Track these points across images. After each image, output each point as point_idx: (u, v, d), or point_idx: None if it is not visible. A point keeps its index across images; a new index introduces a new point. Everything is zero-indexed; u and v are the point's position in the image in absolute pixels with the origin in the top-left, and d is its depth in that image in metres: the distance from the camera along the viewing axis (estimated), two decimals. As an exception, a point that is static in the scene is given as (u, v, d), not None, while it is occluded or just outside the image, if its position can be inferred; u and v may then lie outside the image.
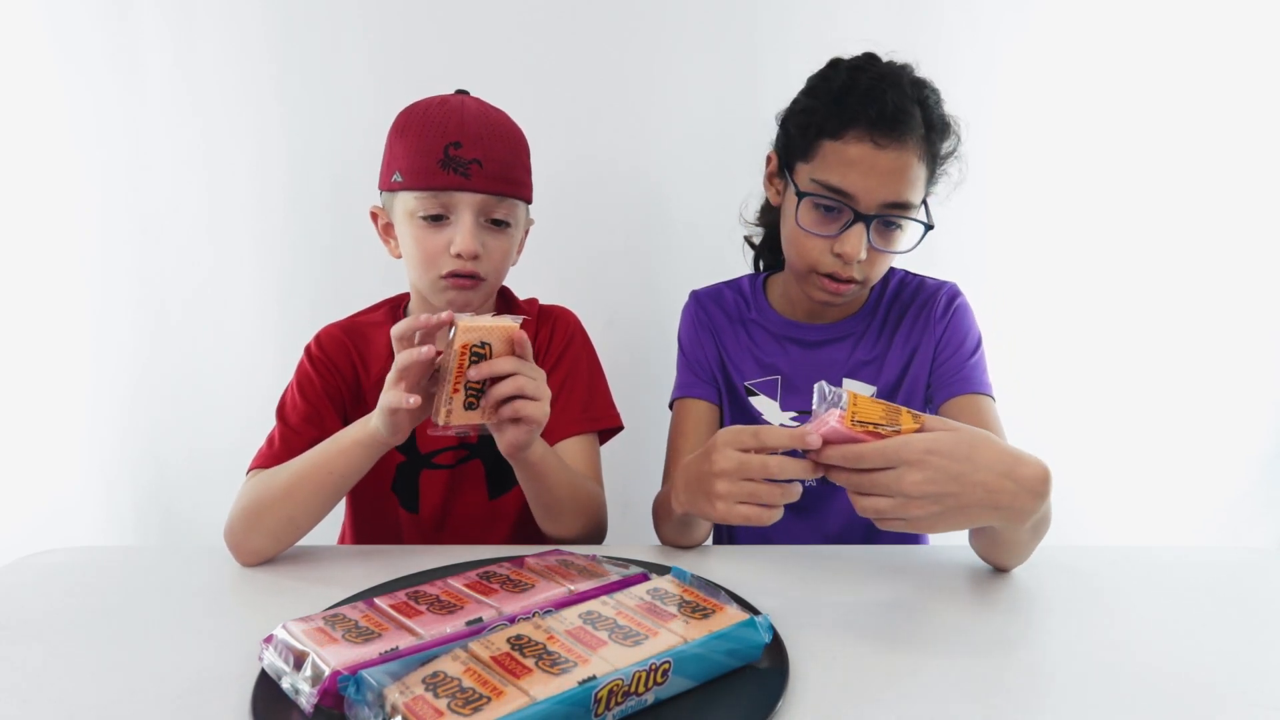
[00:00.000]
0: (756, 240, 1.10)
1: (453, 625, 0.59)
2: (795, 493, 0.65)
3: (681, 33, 1.32)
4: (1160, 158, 1.36)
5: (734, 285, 1.07)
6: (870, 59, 0.89)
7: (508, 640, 0.54)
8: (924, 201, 0.89)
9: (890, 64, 0.88)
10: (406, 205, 0.86)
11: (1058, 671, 0.60)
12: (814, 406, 0.64)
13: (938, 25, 1.30)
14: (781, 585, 0.75)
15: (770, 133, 0.96)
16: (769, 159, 0.97)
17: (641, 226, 1.39)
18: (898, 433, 0.61)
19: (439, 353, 0.71)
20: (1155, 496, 1.47)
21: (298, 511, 0.80)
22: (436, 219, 0.86)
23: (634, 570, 0.69)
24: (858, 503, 0.63)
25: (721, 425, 1.02)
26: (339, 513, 0.95)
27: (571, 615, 0.58)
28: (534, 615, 0.59)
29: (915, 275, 1.03)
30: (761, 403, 1.00)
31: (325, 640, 0.55)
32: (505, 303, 1.02)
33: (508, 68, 1.30)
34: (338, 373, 0.94)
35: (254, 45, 1.30)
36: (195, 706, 0.55)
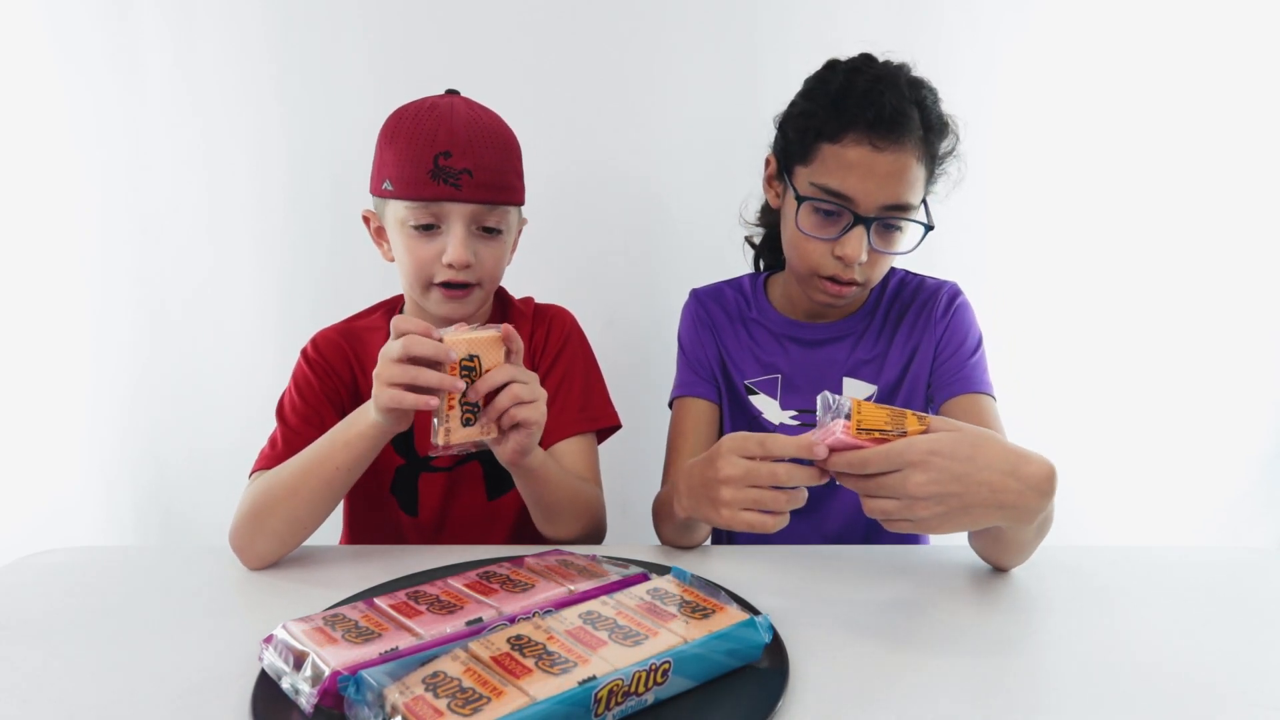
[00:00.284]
0: (757, 240, 1.10)
1: (453, 625, 0.59)
2: (801, 499, 0.66)
3: (681, 33, 1.32)
4: (1160, 158, 1.36)
5: (735, 284, 1.07)
6: (867, 60, 0.89)
7: (508, 640, 0.54)
8: (924, 201, 0.89)
9: (887, 64, 0.88)
10: (397, 214, 0.86)
11: (1058, 671, 0.61)
12: (818, 416, 0.64)
13: (937, 25, 1.30)
14: (781, 585, 0.75)
15: (770, 133, 0.96)
16: (768, 162, 0.96)
17: (641, 227, 1.39)
18: (903, 435, 0.61)
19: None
20: (1155, 496, 1.47)
21: (302, 510, 0.80)
22: (428, 228, 0.85)
23: (634, 570, 0.69)
24: (866, 505, 0.63)
25: (721, 424, 1.02)
26: (337, 519, 0.95)
27: (571, 615, 0.58)
28: (534, 615, 0.59)
29: (916, 275, 1.03)
30: (761, 402, 1.00)
31: (325, 640, 0.55)
32: (500, 303, 1.02)
33: (508, 68, 1.30)
34: (335, 375, 0.94)
35: (254, 45, 1.30)
36: (195, 706, 0.55)
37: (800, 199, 0.88)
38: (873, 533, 0.99)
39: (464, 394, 0.71)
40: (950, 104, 0.89)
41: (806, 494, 0.66)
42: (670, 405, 1.03)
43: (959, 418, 0.70)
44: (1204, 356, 1.44)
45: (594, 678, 0.50)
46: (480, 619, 0.60)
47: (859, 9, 1.30)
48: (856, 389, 0.98)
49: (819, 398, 0.65)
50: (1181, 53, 1.33)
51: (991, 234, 1.38)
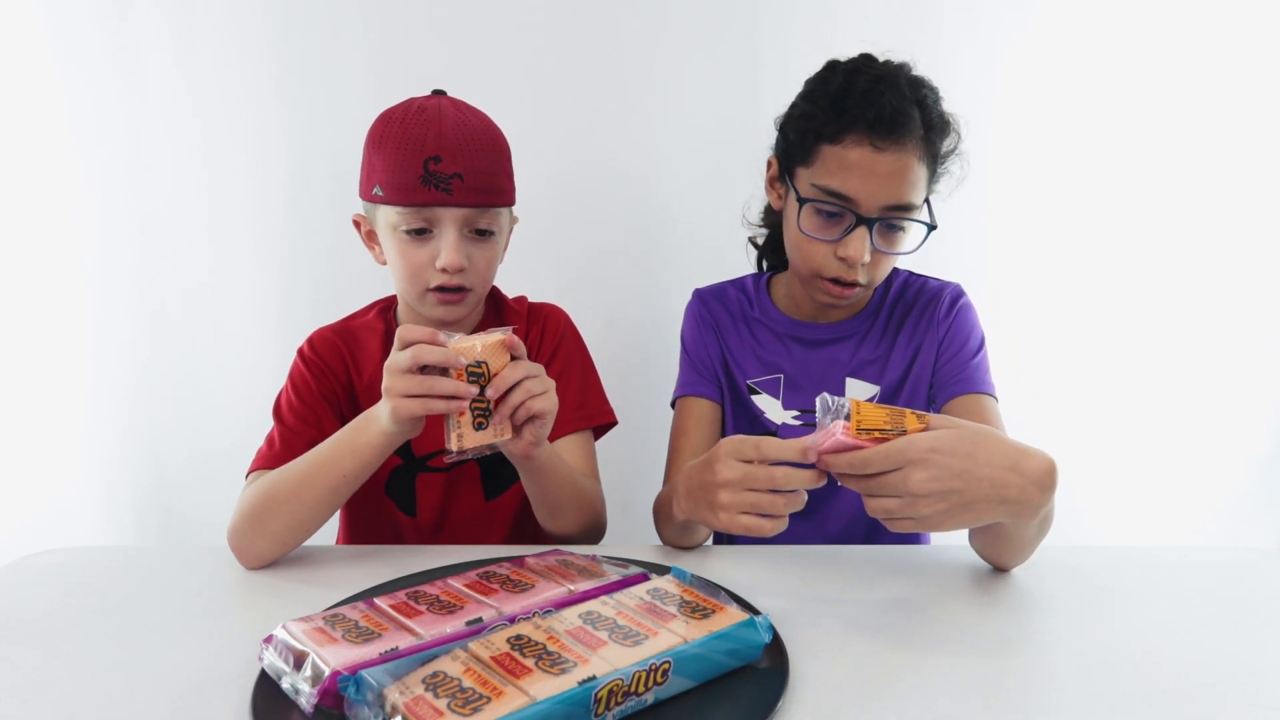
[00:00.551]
0: (760, 241, 1.10)
1: (453, 625, 0.59)
2: (800, 502, 0.66)
3: (681, 33, 1.32)
4: (1161, 157, 1.36)
5: (737, 284, 1.07)
6: (867, 60, 0.88)
7: (508, 640, 0.54)
8: (926, 201, 0.89)
9: (887, 64, 0.88)
10: (389, 218, 0.86)
11: (1058, 671, 0.61)
12: (818, 417, 0.65)
13: (937, 25, 1.30)
14: (781, 585, 0.75)
15: (770, 133, 0.96)
16: (769, 164, 0.96)
17: (641, 227, 1.39)
18: (903, 434, 0.61)
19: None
20: (1155, 496, 1.47)
21: (305, 513, 0.79)
22: (420, 232, 0.85)
23: (634, 570, 0.69)
24: (868, 504, 0.63)
25: (724, 424, 1.02)
26: (333, 521, 0.95)
27: (571, 615, 0.58)
28: (534, 615, 0.59)
29: (919, 276, 1.03)
30: (764, 401, 1.00)
31: (325, 640, 0.55)
32: (494, 303, 1.02)
33: (508, 68, 1.30)
34: (331, 374, 0.94)
35: (254, 45, 1.30)
36: (195, 706, 0.55)
37: (802, 200, 0.88)
38: (874, 533, 0.99)
39: (487, 396, 0.71)
40: (950, 104, 0.88)
41: (805, 497, 0.66)
42: (673, 405, 1.03)
43: (961, 418, 0.70)
44: (1204, 357, 1.44)
45: (594, 678, 0.50)
46: (480, 619, 0.60)
47: (859, 9, 1.30)
48: (859, 389, 0.98)
49: (818, 399, 0.65)
50: (1182, 52, 1.33)
51: (993, 234, 1.37)
